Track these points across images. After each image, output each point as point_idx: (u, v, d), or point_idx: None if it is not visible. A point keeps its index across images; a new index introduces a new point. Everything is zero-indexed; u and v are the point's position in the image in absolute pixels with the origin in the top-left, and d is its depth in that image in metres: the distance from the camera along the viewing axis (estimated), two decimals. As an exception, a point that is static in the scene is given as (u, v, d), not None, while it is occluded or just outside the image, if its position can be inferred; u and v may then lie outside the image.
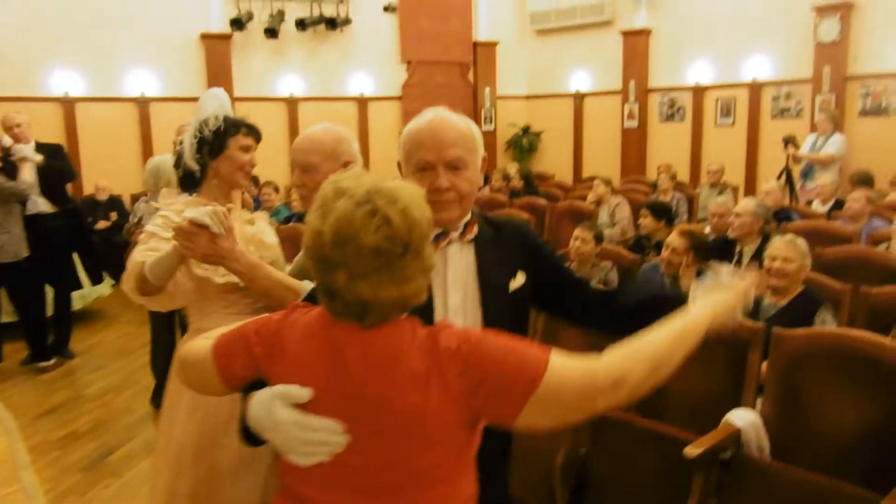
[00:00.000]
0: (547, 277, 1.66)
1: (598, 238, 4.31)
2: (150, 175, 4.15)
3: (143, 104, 8.24)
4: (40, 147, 5.08)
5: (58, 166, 5.02)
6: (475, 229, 1.58)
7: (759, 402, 2.70)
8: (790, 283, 3.26)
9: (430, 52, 9.75)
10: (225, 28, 8.50)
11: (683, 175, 8.67)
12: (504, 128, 10.59)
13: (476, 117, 9.86)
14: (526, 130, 10.59)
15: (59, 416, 4.28)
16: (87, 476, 3.53)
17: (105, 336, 5.73)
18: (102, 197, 7.58)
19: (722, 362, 2.75)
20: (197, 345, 1.32)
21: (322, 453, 1.14)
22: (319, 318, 1.20)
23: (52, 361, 5.09)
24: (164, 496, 2.03)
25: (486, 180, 7.36)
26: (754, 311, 3.27)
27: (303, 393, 1.15)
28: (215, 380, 1.28)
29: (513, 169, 8.22)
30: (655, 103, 9.45)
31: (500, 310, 1.55)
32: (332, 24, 8.95)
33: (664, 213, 4.79)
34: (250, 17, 8.52)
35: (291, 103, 9.06)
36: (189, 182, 2.15)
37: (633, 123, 9.58)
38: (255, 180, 7.47)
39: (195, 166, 2.09)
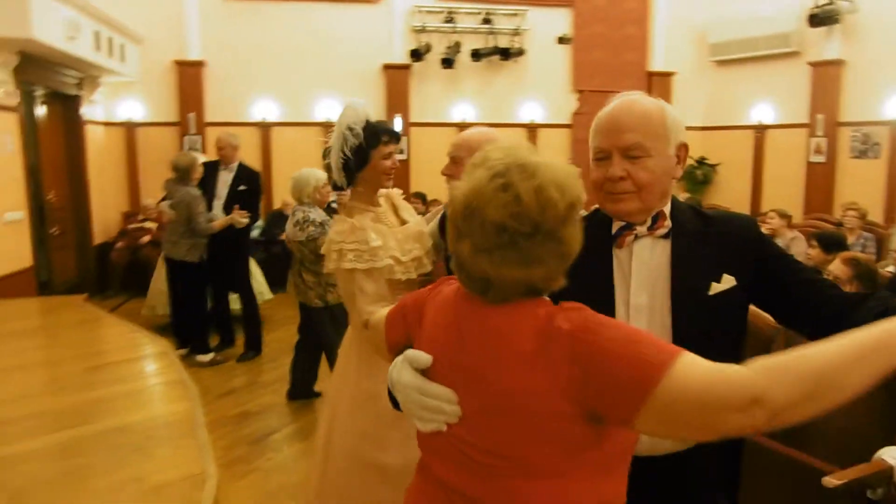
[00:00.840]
0: (777, 278, 1.43)
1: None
2: (294, 186, 4.53)
3: (329, 128, 8.91)
4: (242, 169, 5.64)
5: (245, 193, 5.54)
6: (667, 223, 1.43)
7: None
8: None
9: (601, 83, 9.71)
10: (405, 59, 9.07)
11: (876, 215, 7.94)
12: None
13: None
14: (701, 162, 10.21)
15: (237, 397, 4.80)
16: (253, 449, 3.94)
17: (280, 335, 6.28)
18: (289, 212, 8.31)
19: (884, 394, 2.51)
20: (381, 311, 1.39)
21: (437, 421, 1.11)
22: (456, 290, 1.19)
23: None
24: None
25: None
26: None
27: (424, 358, 1.15)
28: (384, 344, 1.33)
29: (682, 198, 7.97)
30: (846, 138, 8.75)
31: (694, 315, 1.38)
32: (505, 54, 9.23)
33: (834, 245, 4.43)
34: (429, 48, 9.00)
35: (463, 129, 9.37)
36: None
37: (821, 158, 8.92)
38: (422, 198, 7.83)
39: (343, 180, 2.27)
